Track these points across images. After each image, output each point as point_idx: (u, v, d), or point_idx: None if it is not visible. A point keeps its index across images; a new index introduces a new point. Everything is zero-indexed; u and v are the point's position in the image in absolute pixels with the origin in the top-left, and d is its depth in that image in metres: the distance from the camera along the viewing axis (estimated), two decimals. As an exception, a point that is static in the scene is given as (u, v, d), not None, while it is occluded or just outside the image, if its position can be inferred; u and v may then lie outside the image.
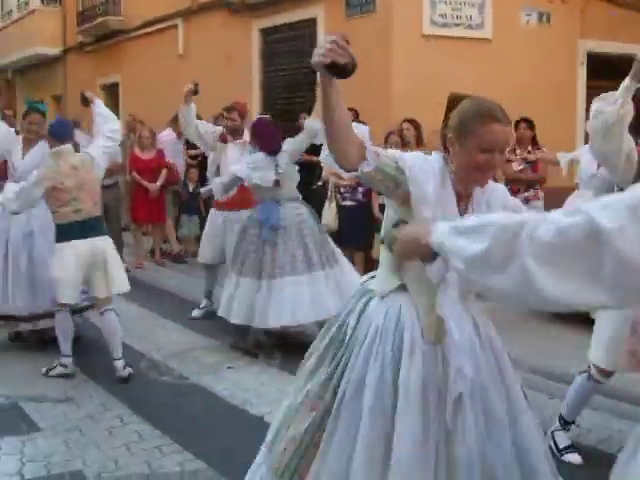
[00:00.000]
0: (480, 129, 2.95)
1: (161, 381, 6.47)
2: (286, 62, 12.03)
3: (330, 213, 9.34)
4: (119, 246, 11.27)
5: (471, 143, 2.97)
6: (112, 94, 18.53)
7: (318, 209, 9.46)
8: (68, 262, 6.28)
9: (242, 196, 7.96)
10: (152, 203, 11.64)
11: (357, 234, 9.25)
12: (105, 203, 10.71)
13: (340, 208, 9.35)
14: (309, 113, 10.56)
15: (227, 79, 13.13)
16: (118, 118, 15.24)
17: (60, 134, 6.55)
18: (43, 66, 22.90)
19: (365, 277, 3.45)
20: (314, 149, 10.30)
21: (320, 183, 9.71)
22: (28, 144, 7.47)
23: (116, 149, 11.22)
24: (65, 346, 6.52)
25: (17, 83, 26.05)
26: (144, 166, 11.56)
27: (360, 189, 9.24)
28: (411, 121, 9.38)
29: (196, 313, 8.56)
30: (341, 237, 9.45)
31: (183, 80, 14.60)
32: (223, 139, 8.34)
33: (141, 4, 16.70)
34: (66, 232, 6.33)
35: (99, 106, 7.00)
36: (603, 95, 4.32)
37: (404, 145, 8.99)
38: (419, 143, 9.45)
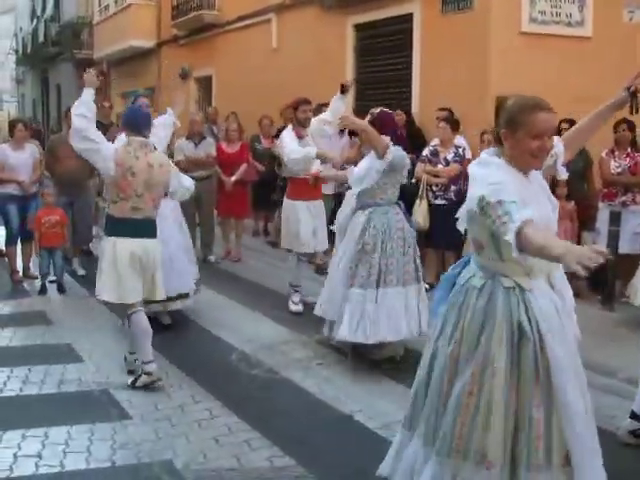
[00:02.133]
0: (529, 119, 3.34)
1: (251, 374, 6.46)
2: (380, 58, 11.86)
3: (421, 212, 9.20)
4: (210, 239, 11.42)
5: (523, 133, 3.35)
6: (205, 87, 18.71)
7: (409, 207, 9.36)
8: (123, 258, 5.95)
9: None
10: (232, 197, 11.59)
11: (448, 234, 9.05)
12: (199, 195, 10.79)
13: (431, 207, 9.20)
14: (403, 110, 10.49)
15: (320, 74, 13.08)
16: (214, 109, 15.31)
17: (135, 125, 6.17)
18: (137, 59, 23.22)
19: (466, 275, 3.61)
20: (409, 147, 10.21)
21: (413, 181, 9.57)
22: None
23: (211, 142, 11.39)
24: (145, 350, 6.10)
25: (112, 75, 26.51)
26: (227, 159, 11.50)
27: (453, 187, 9.09)
28: (508, 120, 9.18)
29: (295, 308, 8.49)
30: (431, 236, 9.35)
31: (276, 73, 14.76)
32: (298, 135, 8.22)
33: (235, -2, 16.81)
34: (120, 227, 6.01)
35: None
36: None
37: (499, 143, 8.80)
38: (515, 142, 9.26)
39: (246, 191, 12.08)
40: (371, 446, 5.07)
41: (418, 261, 6.71)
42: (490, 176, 3.29)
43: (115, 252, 5.97)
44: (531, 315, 3.37)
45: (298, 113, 8.22)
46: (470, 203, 3.36)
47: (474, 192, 3.32)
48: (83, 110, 5.99)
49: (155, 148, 6.26)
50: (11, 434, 5.14)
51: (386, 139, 6.48)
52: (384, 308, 6.34)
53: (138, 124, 6.18)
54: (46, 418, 5.41)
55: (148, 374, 6.04)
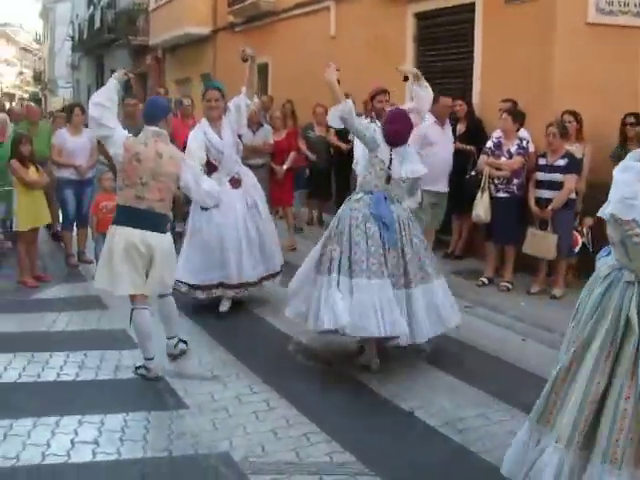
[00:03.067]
0: None
1: (308, 366, 6.36)
2: (441, 47, 11.63)
3: (482, 204, 8.98)
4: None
5: None
6: (261, 75, 18.54)
7: (470, 199, 9.18)
8: (118, 247, 5.76)
9: None
10: (280, 185, 11.43)
11: (509, 227, 8.90)
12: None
13: (492, 199, 8.99)
14: (464, 99, 10.29)
15: (379, 63, 12.91)
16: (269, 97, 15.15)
17: (151, 115, 6.07)
18: (193, 45, 23.18)
19: (600, 263, 3.77)
20: (469, 138, 10.04)
21: (473, 173, 9.38)
22: (214, 122, 7.53)
23: (268, 129, 11.26)
24: (145, 347, 6.01)
25: (167, 61, 26.58)
26: (275, 147, 11.41)
27: (515, 181, 8.84)
28: (573, 113, 8.94)
29: None
30: (492, 229, 9.16)
31: (334, 62, 14.49)
32: None
33: (293, -15, 16.66)
34: (122, 215, 5.89)
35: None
36: None
37: (563, 137, 8.56)
38: (579, 137, 9.03)
39: (292, 178, 11.91)
40: (432, 444, 4.97)
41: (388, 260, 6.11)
42: (626, 186, 3.32)
43: (112, 240, 5.85)
44: None
45: (375, 103, 7.95)
46: (608, 208, 3.45)
47: (611, 199, 3.41)
48: (101, 99, 5.97)
49: (172, 141, 6.17)
50: (68, 419, 5.12)
51: (348, 101, 6.55)
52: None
53: (153, 114, 6.08)
54: (102, 404, 5.37)
55: (147, 369, 6.00)
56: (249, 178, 7.96)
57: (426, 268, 6.28)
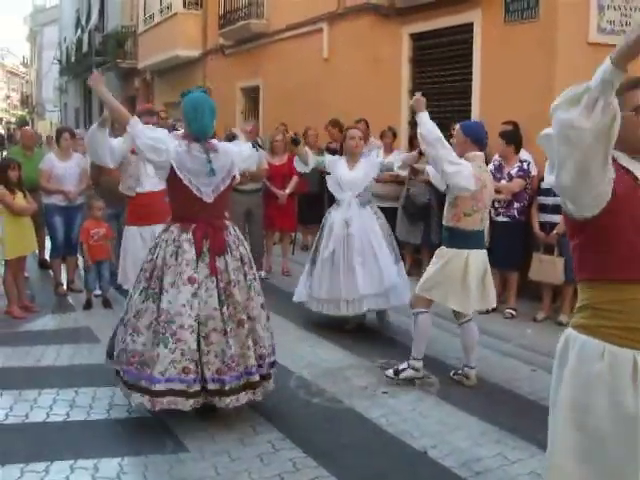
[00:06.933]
0: None
1: (312, 403, 5.99)
2: (438, 69, 11.41)
3: (482, 229, 8.77)
4: (260, 253, 10.99)
5: None
6: (252, 98, 18.35)
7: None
8: (472, 270, 6.20)
9: None
10: (282, 210, 11.24)
11: (511, 252, 8.64)
12: (249, 208, 10.47)
13: (493, 223, 8.73)
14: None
15: (373, 85, 12.69)
16: (257, 121, 14.97)
17: (480, 139, 6.31)
18: (182, 68, 22.95)
19: None
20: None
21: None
22: None
23: (262, 154, 10.98)
24: (418, 348, 6.40)
25: (155, 84, 26.33)
26: (275, 172, 11.10)
27: (516, 204, 8.59)
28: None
29: None
30: (492, 255, 8.89)
31: (327, 84, 14.38)
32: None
33: (285, 7, 16.38)
34: (470, 239, 6.23)
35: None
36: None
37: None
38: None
39: (294, 204, 11.67)
40: (451, 488, 4.66)
41: None
42: None
43: (463, 264, 6.24)
44: None
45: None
46: None
47: None
48: None
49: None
50: (59, 465, 4.77)
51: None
52: None
53: (475, 137, 6.31)
54: (95, 448, 5.02)
55: (414, 369, 6.50)
56: None
57: None
